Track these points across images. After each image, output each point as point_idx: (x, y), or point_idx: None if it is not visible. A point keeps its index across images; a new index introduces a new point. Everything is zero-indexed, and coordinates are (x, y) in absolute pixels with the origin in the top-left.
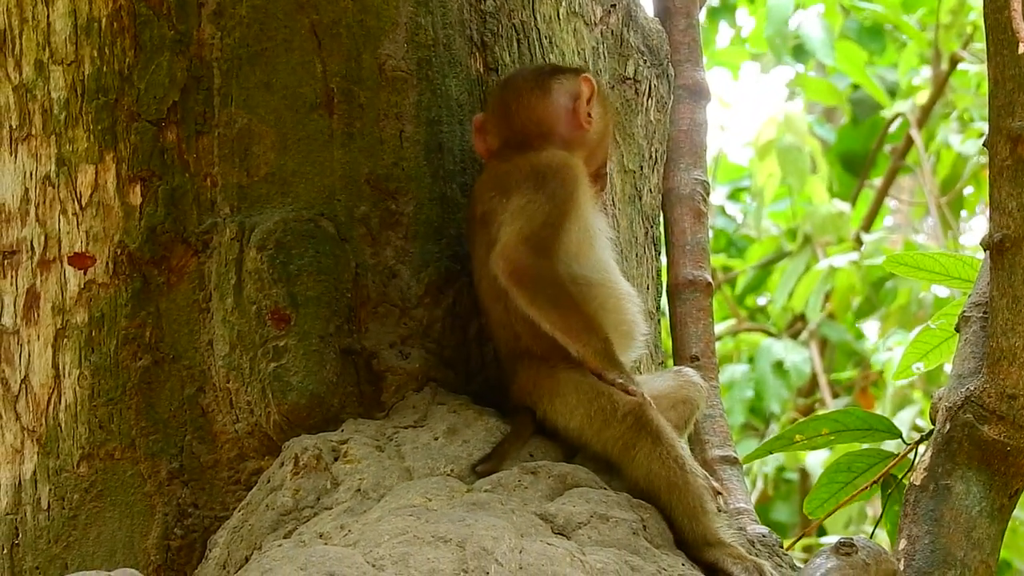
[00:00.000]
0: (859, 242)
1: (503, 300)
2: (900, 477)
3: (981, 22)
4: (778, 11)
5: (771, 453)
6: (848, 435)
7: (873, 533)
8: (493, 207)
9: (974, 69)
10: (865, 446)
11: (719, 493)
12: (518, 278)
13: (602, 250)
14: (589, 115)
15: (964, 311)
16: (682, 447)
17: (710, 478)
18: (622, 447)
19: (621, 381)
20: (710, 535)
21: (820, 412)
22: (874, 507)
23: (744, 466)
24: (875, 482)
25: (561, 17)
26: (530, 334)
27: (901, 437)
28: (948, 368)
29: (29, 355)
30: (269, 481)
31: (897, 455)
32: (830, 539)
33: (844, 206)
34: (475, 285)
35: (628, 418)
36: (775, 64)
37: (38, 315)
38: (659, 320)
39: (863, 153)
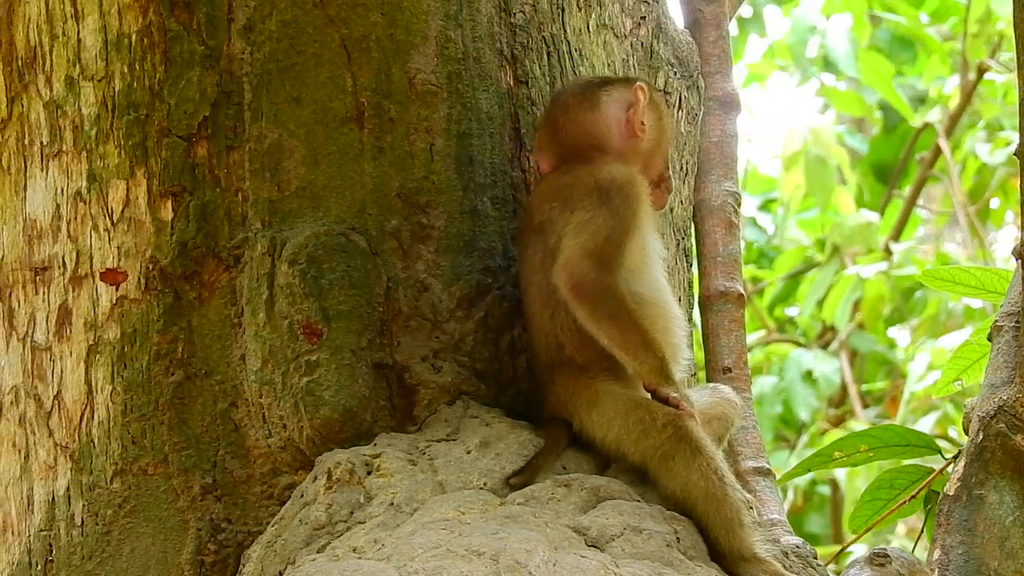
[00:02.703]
0: (888, 252)
1: (550, 308)
2: (941, 493)
3: (1008, 31)
4: (802, 21)
5: (810, 471)
6: (887, 451)
7: (915, 547)
8: (553, 217)
9: (1001, 79)
10: (907, 462)
11: (750, 507)
12: (580, 292)
13: (656, 270)
14: (642, 123)
15: (996, 321)
16: (721, 460)
17: (743, 491)
18: (661, 457)
19: (675, 396)
20: (746, 549)
21: (853, 422)
22: (907, 520)
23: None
24: (913, 497)
25: (591, 30)
26: (574, 344)
27: (940, 452)
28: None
29: (62, 371)
30: (302, 496)
31: (937, 470)
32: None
33: (872, 216)
34: (522, 290)
35: (668, 428)
36: (801, 75)
37: (70, 331)
38: (691, 332)
39: (894, 163)
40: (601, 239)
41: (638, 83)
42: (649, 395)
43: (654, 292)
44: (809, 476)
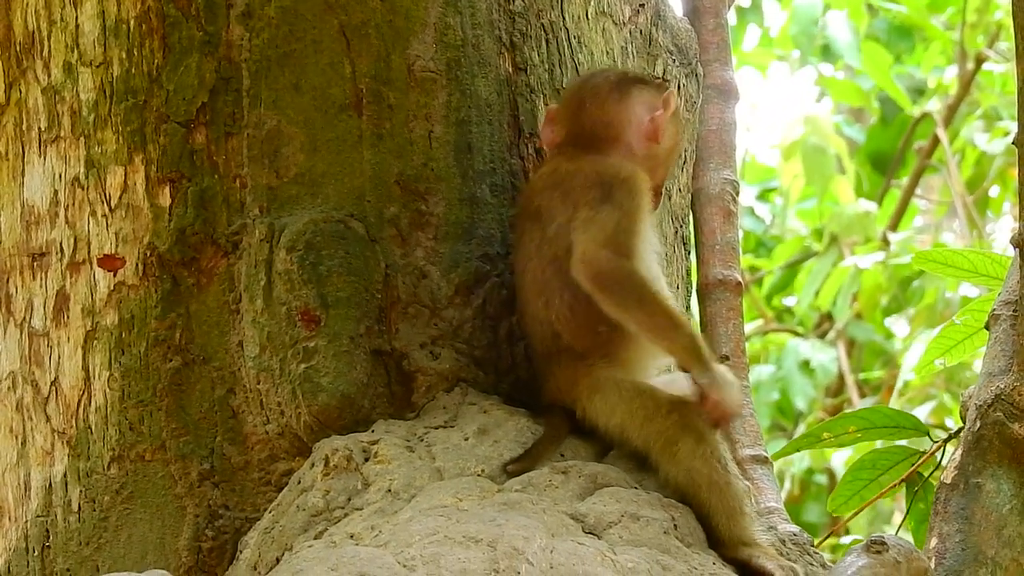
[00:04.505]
0: (886, 242)
1: (544, 296)
2: (927, 476)
3: (1007, 20)
4: (805, 11)
5: (799, 451)
6: (875, 433)
7: (898, 531)
8: (552, 206)
9: (999, 69)
10: (887, 443)
11: (750, 496)
12: (602, 280)
13: (654, 264)
14: (662, 130)
15: (994, 309)
16: (724, 448)
17: (744, 480)
18: (664, 442)
19: (705, 382)
20: (746, 536)
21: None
22: (901, 505)
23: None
24: (903, 481)
25: (590, 17)
26: (571, 333)
27: (928, 435)
28: (977, 365)
29: (59, 357)
30: (300, 482)
31: (922, 452)
32: (851, 538)
33: (870, 206)
34: (516, 278)
35: (672, 415)
36: (803, 65)
37: (68, 317)
38: (689, 320)
39: (892, 152)
40: (611, 230)
41: (669, 91)
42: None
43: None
44: (806, 464)
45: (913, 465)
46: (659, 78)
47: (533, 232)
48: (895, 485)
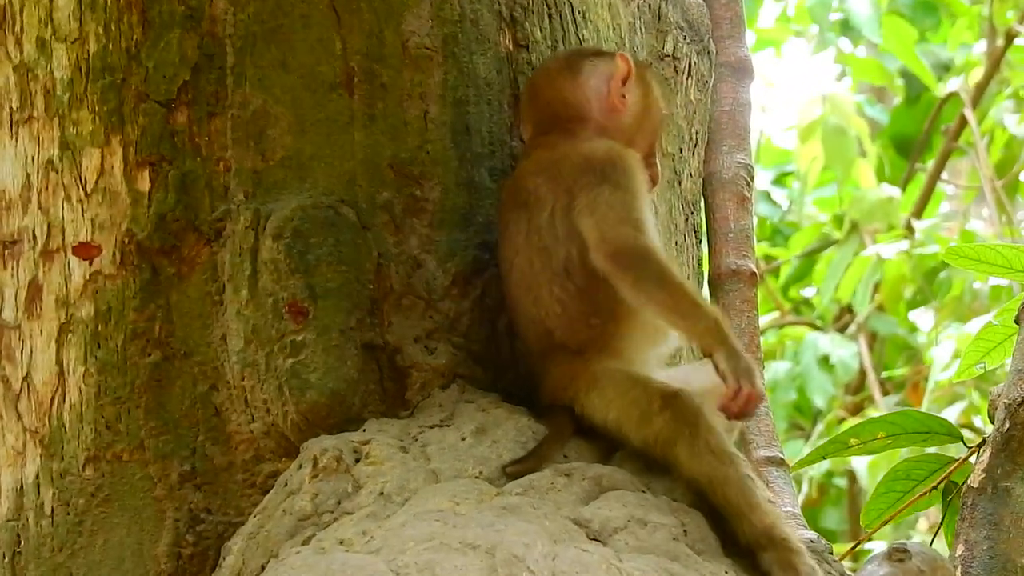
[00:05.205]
0: (910, 229)
1: (534, 292)
2: (961, 484)
3: None
4: None
5: (825, 458)
6: (906, 439)
7: (932, 541)
8: (540, 194)
9: None
10: (925, 451)
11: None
12: (621, 258)
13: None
14: (623, 96)
15: None
16: (717, 430)
17: (745, 465)
18: (664, 445)
19: (729, 368)
20: (762, 535)
21: (872, 410)
22: (928, 515)
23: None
24: (934, 488)
25: None
26: (564, 329)
27: (962, 440)
28: (1008, 363)
29: (31, 351)
30: (287, 484)
31: (958, 459)
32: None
33: (894, 191)
34: (503, 274)
35: (665, 412)
36: (821, 41)
37: (40, 308)
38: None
39: (917, 134)
40: (620, 208)
41: (619, 54)
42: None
43: None
44: (825, 467)
45: (947, 473)
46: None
47: (520, 223)
48: (925, 494)
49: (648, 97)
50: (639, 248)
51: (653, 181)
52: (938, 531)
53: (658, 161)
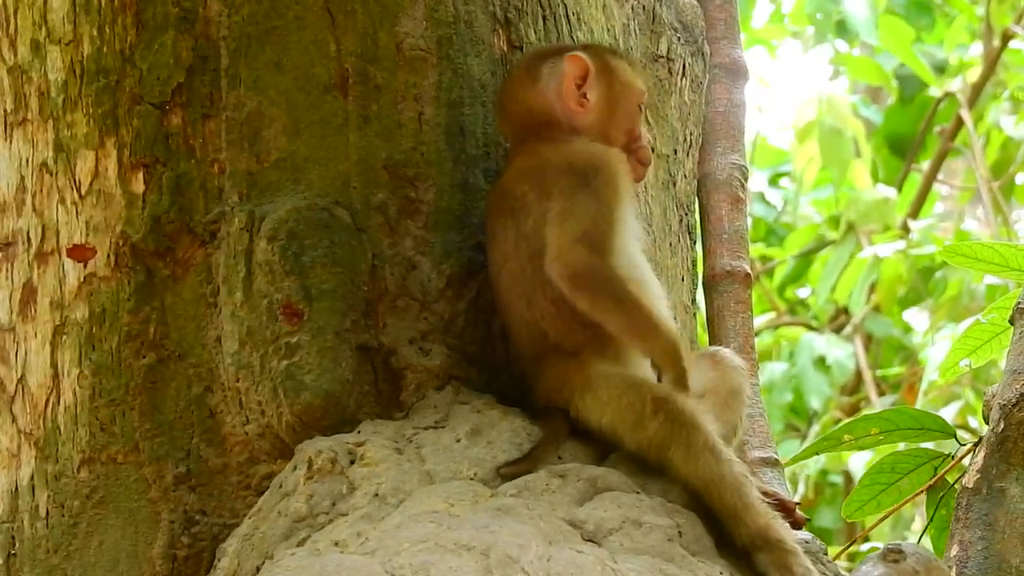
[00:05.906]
0: (906, 230)
1: (527, 296)
2: (953, 482)
3: None
4: None
5: (818, 454)
6: (899, 435)
7: (920, 539)
8: (527, 201)
9: None
10: (910, 446)
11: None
12: (578, 281)
13: (634, 248)
14: (585, 96)
15: (1019, 303)
16: (710, 432)
17: (739, 463)
18: (658, 449)
19: (670, 388)
20: (758, 536)
21: (868, 411)
22: (923, 511)
23: (786, 468)
24: (930, 487)
25: None
26: (558, 331)
27: (955, 437)
28: (1002, 364)
29: (26, 353)
30: (281, 486)
31: (945, 454)
32: (869, 545)
33: (889, 191)
34: (492, 279)
35: (659, 415)
36: (817, 42)
37: (35, 311)
38: (695, 314)
39: (912, 135)
40: (589, 224)
41: (569, 54)
42: (649, 377)
43: (633, 270)
44: (820, 465)
45: (935, 469)
46: (572, 46)
47: (508, 231)
48: (921, 492)
49: (614, 88)
50: (593, 271)
51: (643, 163)
52: (925, 529)
53: (644, 138)
